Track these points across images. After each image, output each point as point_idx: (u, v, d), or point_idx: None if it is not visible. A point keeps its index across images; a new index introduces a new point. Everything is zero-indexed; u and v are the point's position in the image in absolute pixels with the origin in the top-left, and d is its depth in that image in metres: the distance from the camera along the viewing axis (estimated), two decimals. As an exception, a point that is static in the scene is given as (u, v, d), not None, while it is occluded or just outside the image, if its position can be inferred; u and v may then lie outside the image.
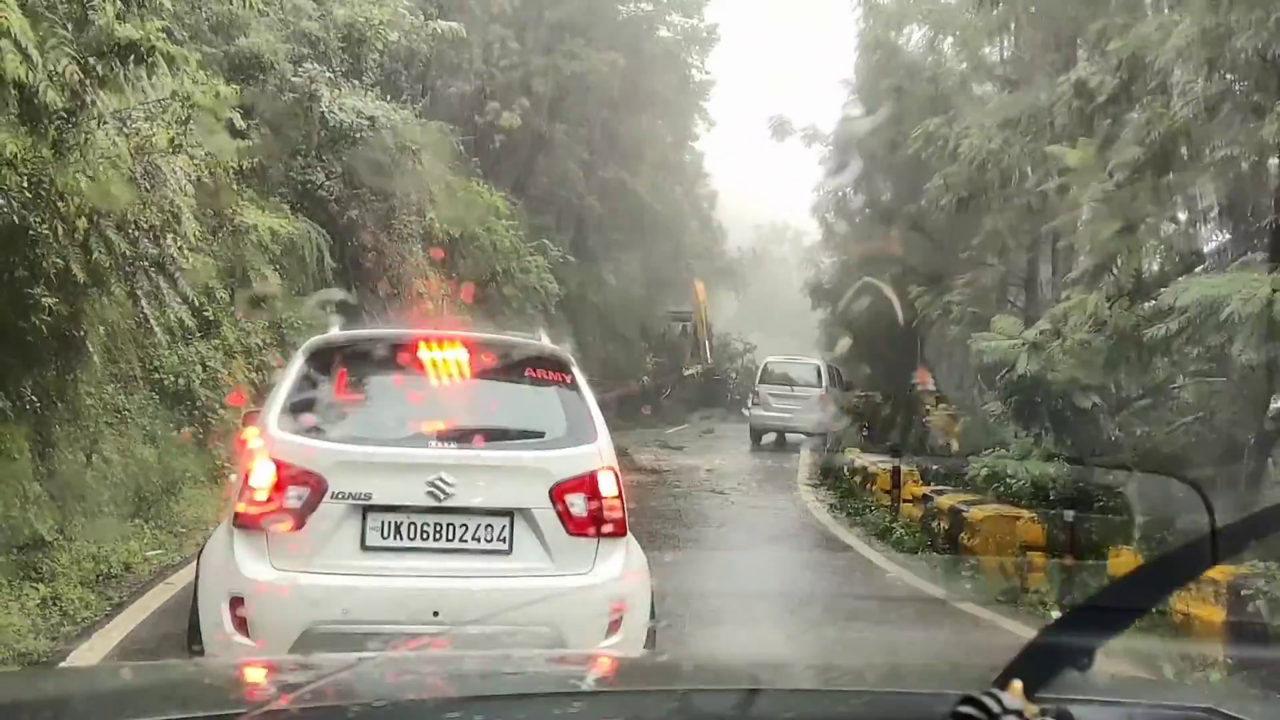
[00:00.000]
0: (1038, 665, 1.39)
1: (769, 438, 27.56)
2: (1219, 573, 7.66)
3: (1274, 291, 8.29)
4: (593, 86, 34.78)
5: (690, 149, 46.51)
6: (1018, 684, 1.34)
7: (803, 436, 25.92)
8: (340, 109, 18.35)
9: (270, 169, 17.47)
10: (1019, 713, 1.24)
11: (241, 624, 4.35)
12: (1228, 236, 13.20)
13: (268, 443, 4.58)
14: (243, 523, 4.49)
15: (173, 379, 12.77)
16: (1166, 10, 11.56)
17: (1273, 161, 10.79)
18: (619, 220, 38.32)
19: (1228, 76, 10.32)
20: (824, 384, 28.07)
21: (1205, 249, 12.98)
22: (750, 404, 29.81)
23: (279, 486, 4.45)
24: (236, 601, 4.38)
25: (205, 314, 13.57)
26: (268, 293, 15.58)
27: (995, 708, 1.24)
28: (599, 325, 35.26)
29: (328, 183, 18.66)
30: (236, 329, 14.68)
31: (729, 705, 1.64)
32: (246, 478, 4.54)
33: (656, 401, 36.95)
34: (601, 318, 36.11)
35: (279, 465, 4.47)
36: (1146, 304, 12.10)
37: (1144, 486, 10.86)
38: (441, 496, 4.50)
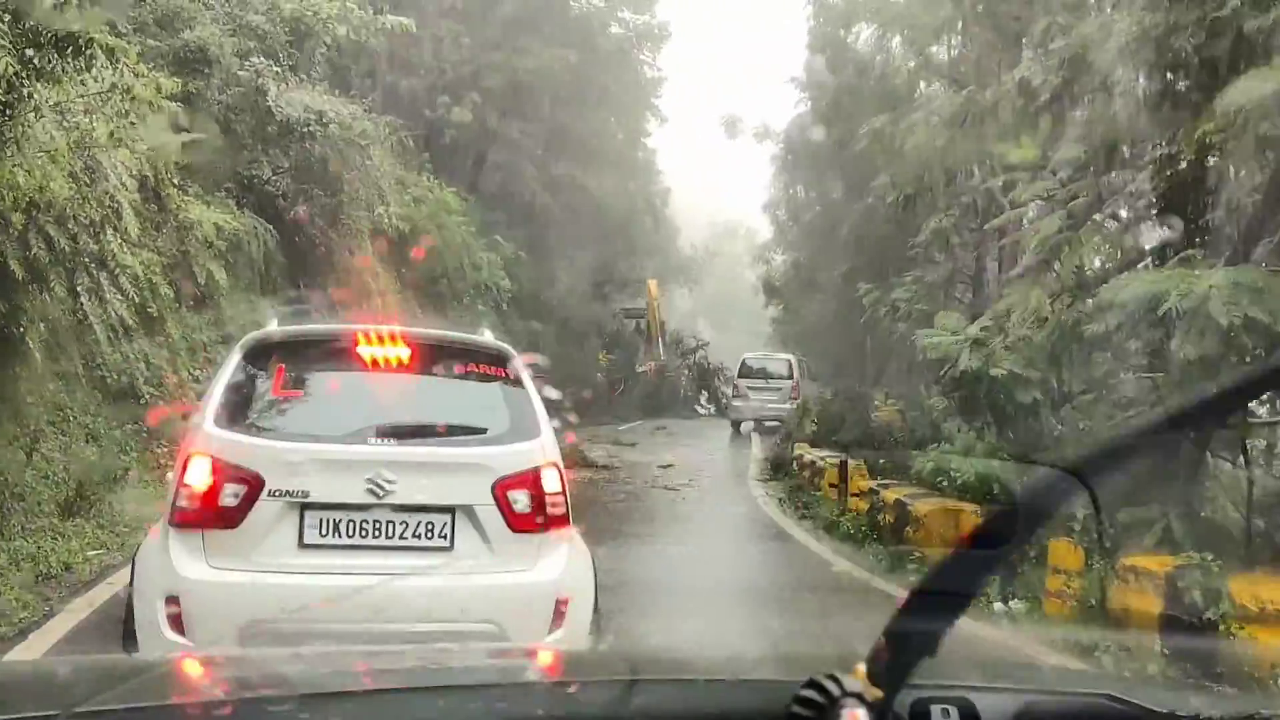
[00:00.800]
0: (902, 649, 1.39)
1: (747, 426, 28.73)
2: (1156, 563, 7.82)
3: (1211, 288, 8.46)
4: (545, 83, 34.75)
5: (643, 146, 46.56)
6: (861, 667, 1.34)
7: (762, 428, 27.35)
8: (288, 103, 18.18)
9: (216, 164, 17.27)
10: (859, 695, 1.24)
11: (177, 623, 4.30)
12: (1167, 233, 13.42)
13: (203, 440, 4.53)
14: (178, 521, 4.44)
15: (115, 377, 12.60)
16: (1109, 10, 11.74)
17: (1211, 159, 10.98)
18: (572, 217, 38.29)
19: (1168, 75, 10.50)
20: (795, 377, 30.18)
21: (1146, 246, 13.20)
22: (731, 395, 31.93)
23: (215, 484, 4.40)
24: (172, 600, 4.32)
25: (149, 311, 13.40)
26: (213, 289, 15.42)
27: (834, 690, 1.24)
28: (552, 323, 35.20)
29: (275, 178, 18.49)
30: (181, 326, 14.51)
31: (600, 695, 1.66)
32: (182, 475, 4.48)
33: (610, 399, 36.95)
34: (555, 315, 36.06)
35: (215, 463, 4.42)
36: (1088, 300, 12.29)
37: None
38: (381, 493, 4.46)
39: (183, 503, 4.44)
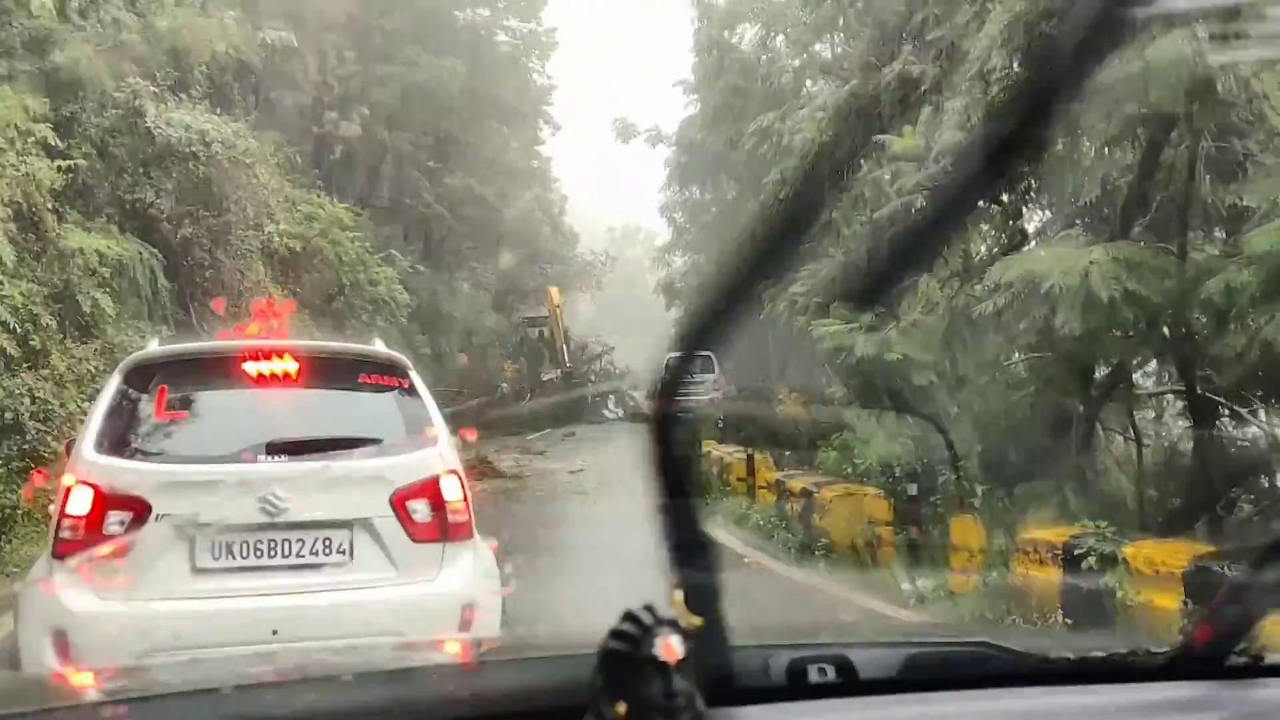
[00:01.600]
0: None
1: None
2: (1054, 534, 8.06)
3: (1091, 264, 8.73)
4: (434, 94, 34.45)
5: (537, 154, 46.44)
6: (678, 594, 1.32)
7: None
8: (168, 124, 17.72)
9: (96, 188, 16.76)
10: (673, 622, 1.21)
11: (67, 658, 4.14)
12: (1048, 216, 13.82)
13: (84, 467, 4.38)
14: (62, 552, 4.27)
15: (-1, 412, 12.16)
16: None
17: (1085, 143, 11.35)
18: (469, 229, 38.03)
19: (1040, 62, 10.79)
20: (716, 372, 31.59)
21: (1029, 228, 13.58)
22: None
23: (98, 512, 4.25)
24: (60, 635, 4.17)
25: (30, 343, 12.94)
26: (99, 317, 14.95)
27: (648, 619, 1.21)
28: (454, 335, 34.89)
29: (158, 201, 18.00)
30: (67, 357, 14.04)
31: (487, 676, 1.66)
32: (63, 505, 4.32)
33: (516, 408, 36.73)
34: (457, 327, 35.74)
35: (96, 490, 4.27)
36: (977, 285, 12.60)
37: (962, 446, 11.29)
38: (274, 512, 4.36)
39: (65, 534, 4.28)
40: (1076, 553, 7.46)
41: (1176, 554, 7.08)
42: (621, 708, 1.19)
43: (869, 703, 1.58)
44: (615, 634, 1.22)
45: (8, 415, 12.28)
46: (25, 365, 12.79)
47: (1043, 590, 7.85)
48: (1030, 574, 7.97)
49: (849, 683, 1.58)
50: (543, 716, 1.44)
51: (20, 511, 11.12)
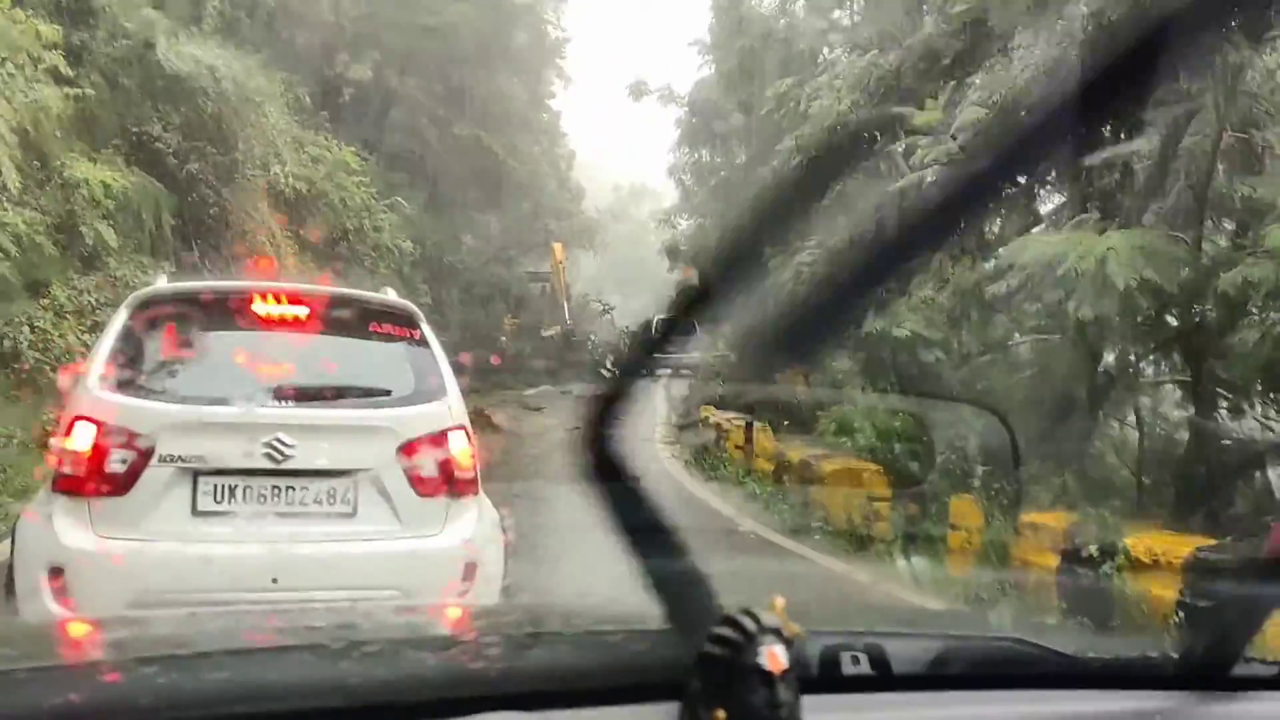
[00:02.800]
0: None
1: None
2: (1054, 519, 8.04)
3: (1109, 250, 8.64)
4: (446, 41, 34.03)
5: (547, 108, 46.03)
6: (780, 601, 1.30)
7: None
8: (178, 57, 17.48)
9: (103, 119, 16.57)
10: (778, 630, 1.19)
11: (62, 595, 4.06)
12: (1063, 198, 13.71)
13: (88, 403, 4.27)
14: (62, 488, 4.19)
15: (-2, 340, 12.12)
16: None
17: (1107, 125, 11.20)
18: (475, 179, 37.70)
19: (1065, 40, 10.66)
20: (698, 332, 32.79)
21: (1043, 210, 13.48)
22: None
23: (101, 449, 4.16)
24: (56, 572, 4.09)
25: (32, 271, 12.86)
26: (102, 249, 14.84)
27: (751, 626, 1.19)
28: (456, 286, 34.73)
29: (165, 135, 17.83)
30: (68, 287, 13.95)
31: (507, 649, 1.61)
32: (65, 440, 4.23)
33: (516, 363, 36.68)
34: (459, 278, 35.58)
35: (100, 426, 4.18)
36: (987, 264, 12.52)
37: (963, 426, 11.27)
38: (279, 458, 4.26)
39: (67, 469, 4.19)
40: (1077, 539, 7.44)
41: (1177, 544, 7.07)
42: (721, 714, 1.18)
43: (907, 699, 1.56)
44: (715, 639, 1.19)
45: (6, 343, 12.22)
46: (26, 294, 12.70)
47: (1039, 574, 7.85)
48: (1029, 557, 7.96)
49: (883, 675, 1.55)
50: (591, 696, 1.40)
51: (15, 440, 11.07)
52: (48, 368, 12.37)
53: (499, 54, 38.19)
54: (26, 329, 12.61)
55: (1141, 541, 7.14)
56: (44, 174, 13.64)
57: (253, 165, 20.13)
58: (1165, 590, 6.77)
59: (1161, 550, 6.93)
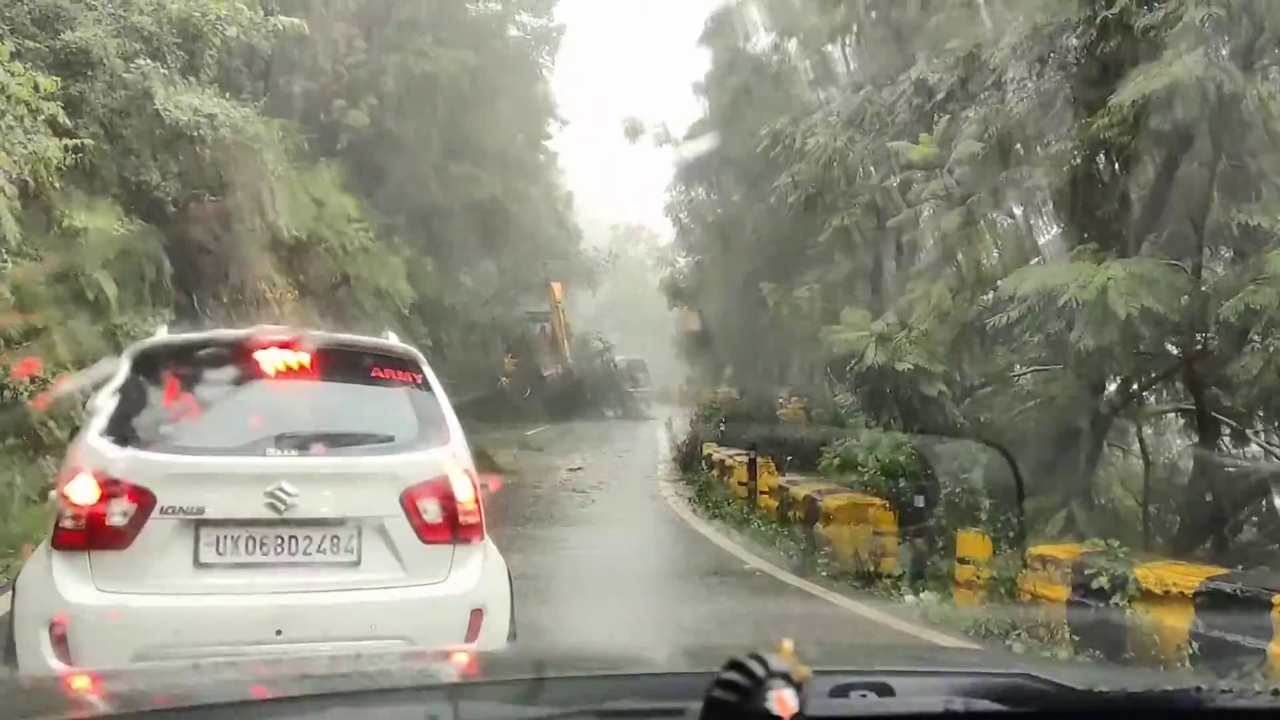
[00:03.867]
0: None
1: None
2: (1063, 551, 7.97)
3: (1110, 279, 8.64)
4: (443, 85, 34.25)
5: (544, 149, 46.28)
6: (788, 644, 1.30)
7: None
8: (176, 106, 17.57)
9: (102, 169, 16.62)
10: (786, 675, 1.18)
11: (63, 650, 4.00)
12: (1059, 229, 13.75)
13: (88, 455, 4.23)
14: (62, 542, 4.14)
15: (-5, 390, 12.06)
16: (1000, 8, 11.98)
17: (1103, 156, 11.26)
18: (474, 221, 37.79)
19: (1059, 74, 10.73)
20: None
21: (1040, 241, 13.50)
22: None
23: (102, 502, 4.11)
24: (57, 627, 4.03)
25: (31, 321, 12.84)
26: (101, 298, 14.83)
27: (759, 670, 1.17)
28: (456, 328, 34.75)
29: (164, 183, 17.86)
30: (67, 337, 13.92)
31: (513, 695, 1.59)
32: (65, 493, 4.18)
33: (517, 403, 36.67)
34: (459, 320, 35.61)
35: (101, 479, 4.13)
36: (987, 295, 12.53)
37: (968, 459, 11.24)
38: (282, 507, 4.21)
39: (67, 522, 4.14)
40: (1087, 571, 7.37)
41: (1187, 575, 7.00)
42: None
43: None
44: (723, 684, 1.16)
45: (5, 393, 12.18)
46: (24, 343, 12.68)
47: (1050, 607, 7.77)
48: (1038, 591, 7.89)
49: (893, 713, 1.54)
50: None
51: (18, 491, 11.02)
52: (48, 417, 12.34)
53: (495, 98, 38.45)
54: (26, 379, 12.57)
55: (1152, 572, 7.08)
56: (44, 223, 13.66)
57: (251, 212, 20.18)
58: (1178, 621, 6.71)
59: (1172, 581, 6.87)
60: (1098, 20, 9.62)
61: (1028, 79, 11.23)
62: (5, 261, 9.94)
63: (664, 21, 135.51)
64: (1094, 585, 7.20)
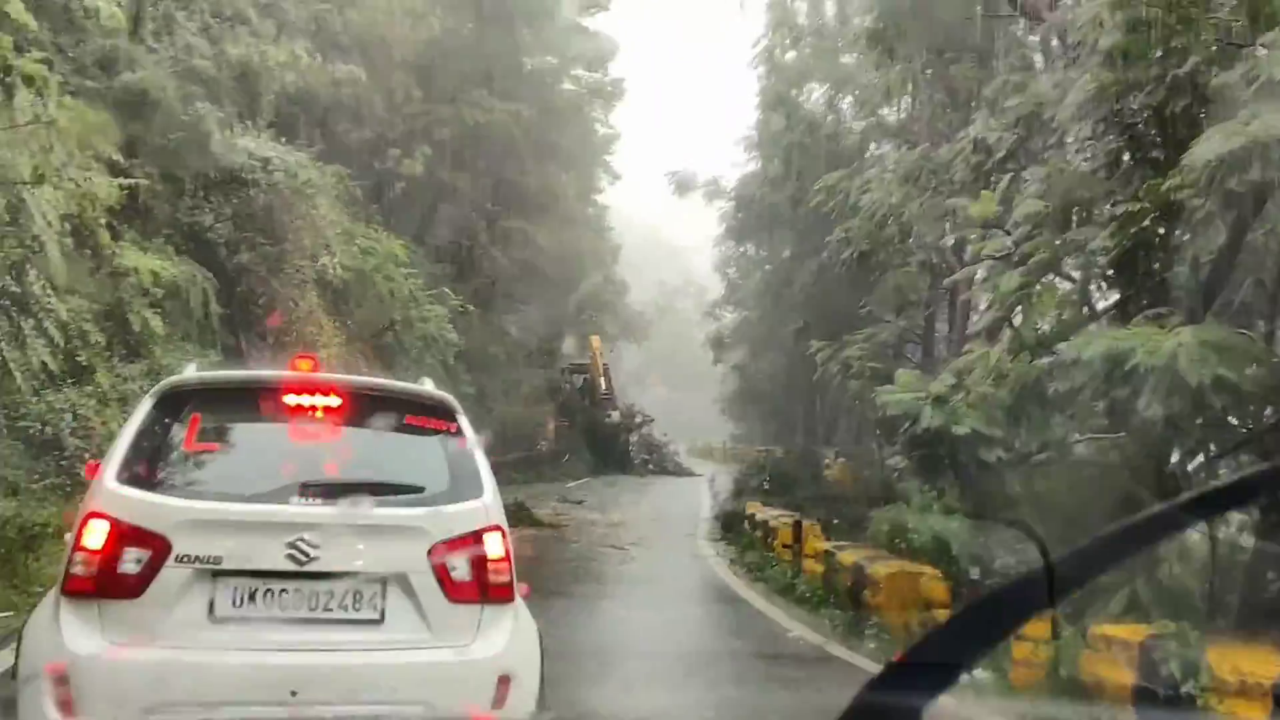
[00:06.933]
0: None
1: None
2: (1128, 632, 7.52)
3: (1180, 345, 8.27)
4: (497, 137, 34.58)
5: (594, 202, 46.54)
6: None
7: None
8: (232, 150, 17.75)
9: (156, 209, 16.77)
10: None
11: (67, 706, 3.73)
12: (1121, 293, 13.36)
13: (103, 498, 4.01)
14: (72, 589, 3.91)
15: (39, 427, 12.02)
16: (1062, 68, 11.75)
17: (1171, 217, 10.90)
18: (521, 272, 37.99)
19: (1124, 134, 10.44)
20: None
21: (1100, 305, 13.12)
22: None
23: (114, 547, 3.88)
24: (62, 680, 3.77)
25: (77, 358, 12.84)
26: (149, 337, 14.86)
27: None
28: (500, 378, 34.74)
29: (217, 225, 18.02)
30: (112, 375, 13.92)
31: None
32: (78, 538, 3.95)
33: (558, 456, 36.60)
34: (503, 370, 35.63)
35: (114, 524, 3.91)
36: (1045, 359, 12.14)
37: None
38: (304, 560, 3.96)
39: (77, 569, 3.90)
40: (1154, 655, 6.92)
41: (1266, 663, 6.53)
42: None
43: None
44: None
45: (48, 430, 12.15)
46: (69, 381, 12.67)
47: (1113, 692, 7.31)
48: (1100, 673, 7.43)
49: None
50: None
51: (50, 529, 10.91)
52: (88, 455, 12.27)
53: (548, 150, 38.77)
54: (69, 416, 12.54)
55: (1225, 659, 6.61)
56: (94, 262, 13.72)
57: (302, 256, 20.28)
58: (1254, 713, 6.26)
59: (1248, 669, 6.41)
60: (1168, 79, 9.35)
61: (1091, 139, 10.94)
62: (50, 297, 9.90)
63: (719, 78, 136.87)
64: (1162, 671, 6.75)
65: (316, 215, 20.56)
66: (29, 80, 7.22)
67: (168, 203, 17.11)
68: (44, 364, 10.84)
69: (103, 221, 12.51)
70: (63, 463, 12.11)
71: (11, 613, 8.45)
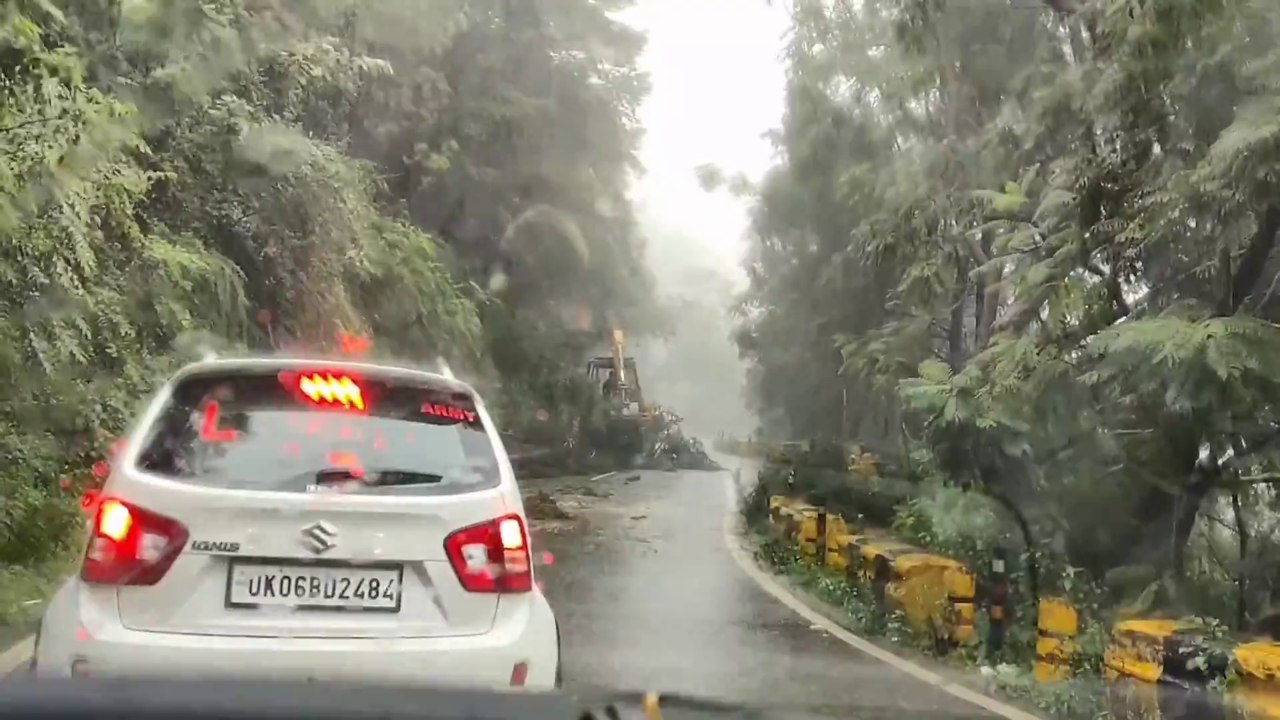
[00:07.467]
0: None
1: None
2: (1155, 627, 7.46)
3: (1209, 338, 8.16)
4: (524, 131, 34.62)
5: (620, 196, 46.50)
6: (652, 697, 1.23)
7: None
8: (260, 143, 17.81)
9: (184, 202, 16.87)
10: None
11: None
12: (1151, 286, 13.24)
13: (122, 484, 4.04)
14: (91, 576, 3.95)
15: (69, 418, 12.12)
16: (1091, 59, 11.61)
17: (1200, 209, 10.78)
18: (548, 266, 38.01)
19: (1154, 125, 10.31)
20: None
21: (1131, 298, 13.00)
22: None
23: (133, 534, 3.92)
24: (81, 665, 3.81)
25: (107, 350, 12.94)
26: (177, 329, 14.95)
27: None
28: (526, 370, 34.81)
29: (245, 218, 18.09)
30: (141, 366, 14.02)
31: None
32: (96, 524, 3.99)
33: (583, 448, 36.69)
34: (530, 363, 35.71)
35: (133, 511, 3.94)
36: (1073, 352, 12.04)
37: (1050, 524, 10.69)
38: (320, 547, 3.99)
39: (96, 555, 3.94)
40: (1181, 650, 6.85)
41: (1294, 659, 6.46)
42: None
43: None
44: None
45: (78, 420, 12.25)
46: (99, 372, 12.78)
47: (1139, 687, 7.24)
48: (1126, 668, 7.37)
49: None
50: None
51: (79, 519, 11.03)
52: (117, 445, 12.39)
53: (575, 145, 38.79)
54: (99, 406, 12.64)
55: (1254, 654, 6.54)
56: (124, 254, 13.82)
57: (329, 249, 20.35)
58: (1283, 710, 6.18)
59: (1278, 665, 6.34)
60: (1198, 68, 9.23)
61: (1120, 129, 10.81)
62: (79, 289, 9.98)
63: (745, 72, 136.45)
64: (1189, 666, 6.68)
65: (344, 209, 20.60)
66: (53, 71, 7.27)
67: (196, 196, 17.19)
68: (72, 355, 10.93)
69: (131, 214, 12.60)
70: (92, 452, 12.21)
71: (40, 599, 8.55)
